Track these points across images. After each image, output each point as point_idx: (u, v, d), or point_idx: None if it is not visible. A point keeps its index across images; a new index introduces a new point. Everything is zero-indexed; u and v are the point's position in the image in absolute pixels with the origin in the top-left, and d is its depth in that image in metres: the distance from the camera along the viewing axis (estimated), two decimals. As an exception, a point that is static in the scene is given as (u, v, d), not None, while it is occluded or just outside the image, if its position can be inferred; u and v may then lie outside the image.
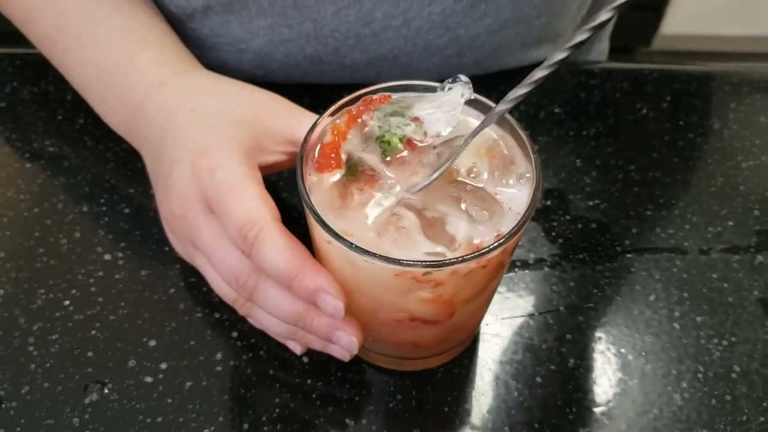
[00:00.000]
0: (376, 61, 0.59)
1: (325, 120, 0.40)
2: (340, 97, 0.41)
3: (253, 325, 0.46)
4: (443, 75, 0.61)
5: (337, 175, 0.38)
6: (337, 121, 0.40)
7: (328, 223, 0.35)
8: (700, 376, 0.46)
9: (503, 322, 0.48)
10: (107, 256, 0.51)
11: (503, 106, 0.36)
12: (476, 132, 0.37)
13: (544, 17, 0.60)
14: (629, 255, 0.52)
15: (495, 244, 0.34)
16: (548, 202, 0.55)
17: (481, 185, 0.38)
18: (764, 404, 0.44)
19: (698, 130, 0.61)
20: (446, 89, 0.40)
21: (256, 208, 0.40)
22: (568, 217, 0.54)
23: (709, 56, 1.98)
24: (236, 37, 0.58)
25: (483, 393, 0.45)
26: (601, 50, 0.80)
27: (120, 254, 0.51)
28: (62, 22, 0.52)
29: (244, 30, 0.57)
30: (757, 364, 0.46)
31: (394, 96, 0.41)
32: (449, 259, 0.34)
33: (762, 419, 0.44)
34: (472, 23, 0.57)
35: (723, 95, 0.64)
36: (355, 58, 0.59)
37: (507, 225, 0.36)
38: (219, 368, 0.45)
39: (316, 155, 0.39)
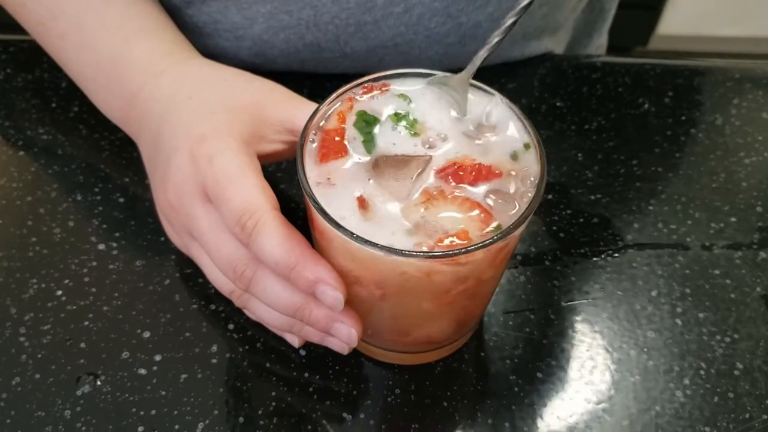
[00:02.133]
0: (376, 49, 0.59)
1: (324, 108, 0.39)
2: (340, 86, 0.40)
3: (249, 317, 0.45)
4: (444, 64, 0.61)
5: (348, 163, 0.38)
6: (339, 104, 0.40)
7: (328, 212, 0.34)
8: (702, 372, 0.45)
9: (504, 317, 0.47)
10: (101, 246, 0.50)
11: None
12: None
13: (545, 7, 0.60)
14: (631, 250, 0.51)
15: (498, 236, 0.34)
16: (550, 197, 0.54)
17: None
18: (767, 402, 0.44)
19: (700, 125, 0.61)
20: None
21: (255, 197, 0.39)
22: (569, 212, 0.53)
23: (705, 57, 1.98)
24: (235, 23, 0.57)
25: (483, 388, 0.44)
26: (600, 44, 0.79)
27: (114, 244, 0.50)
28: (58, 8, 0.51)
29: (242, 16, 0.56)
30: (759, 361, 0.46)
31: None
32: (450, 250, 0.33)
33: (765, 417, 0.43)
34: (474, 11, 0.56)
35: (725, 91, 0.64)
36: (356, 45, 0.58)
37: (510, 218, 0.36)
38: (214, 361, 0.45)
39: (319, 143, 0.38)
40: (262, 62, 0.60)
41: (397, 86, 0.41)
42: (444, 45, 0.59)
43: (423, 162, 0.37)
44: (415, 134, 0.39)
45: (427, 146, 0.38)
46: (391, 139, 0.39)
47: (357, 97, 0.40)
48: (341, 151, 0.38)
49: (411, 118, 0.40)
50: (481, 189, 0.37)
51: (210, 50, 0.59)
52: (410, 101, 0.40)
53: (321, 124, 0.39)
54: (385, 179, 0.37)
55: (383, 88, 0.41)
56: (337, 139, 0.38)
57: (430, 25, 0.57)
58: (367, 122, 0.39)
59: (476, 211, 0.36)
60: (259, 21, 0.56)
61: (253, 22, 0.56)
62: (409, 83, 0.41)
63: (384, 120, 0.39)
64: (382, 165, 0.37)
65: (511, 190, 0.37)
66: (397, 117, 0.39)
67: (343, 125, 0.39)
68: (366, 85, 0.41)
